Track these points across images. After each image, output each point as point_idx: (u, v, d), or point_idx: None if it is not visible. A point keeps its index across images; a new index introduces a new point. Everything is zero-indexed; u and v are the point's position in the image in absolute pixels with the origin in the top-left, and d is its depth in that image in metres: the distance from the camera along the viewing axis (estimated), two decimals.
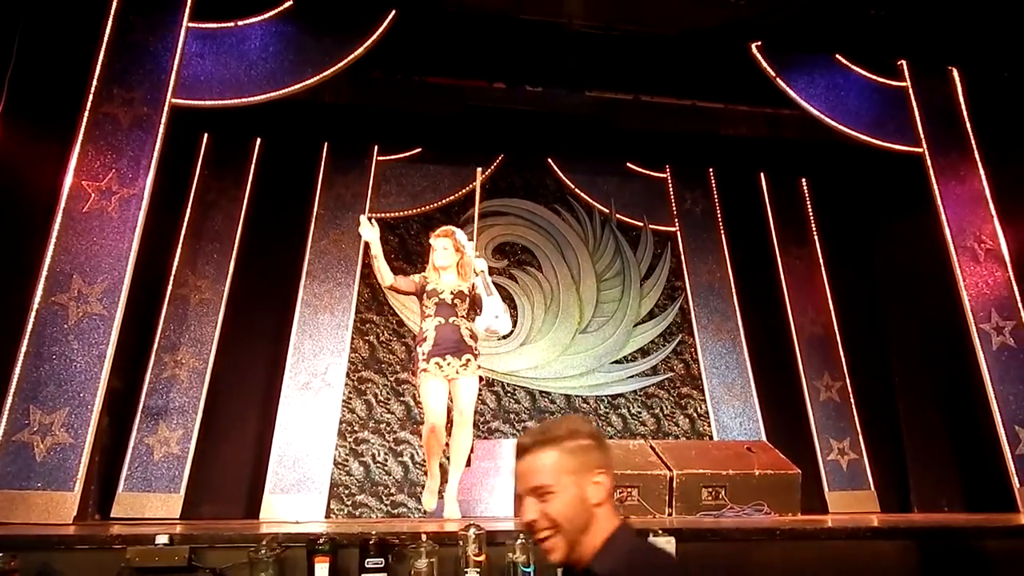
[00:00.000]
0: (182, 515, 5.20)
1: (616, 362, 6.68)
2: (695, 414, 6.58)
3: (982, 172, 5.69)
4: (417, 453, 5.84)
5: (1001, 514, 4.76)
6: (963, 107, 5.88)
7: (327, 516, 5.52)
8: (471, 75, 6.05)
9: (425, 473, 4.51)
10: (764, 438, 6.08)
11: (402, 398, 6.07)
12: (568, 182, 7.05)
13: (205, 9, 5.00)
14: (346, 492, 5.74)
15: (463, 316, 4.17)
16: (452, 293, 4.16)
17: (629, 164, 7.19)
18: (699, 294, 6.88)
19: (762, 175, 7.18)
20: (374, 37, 5.19)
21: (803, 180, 7.19)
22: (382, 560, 2.59)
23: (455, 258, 4.24)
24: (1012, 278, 5.45)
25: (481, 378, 4.29)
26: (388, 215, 6.51)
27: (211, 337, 5.69)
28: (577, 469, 1.49)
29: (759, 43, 5.63)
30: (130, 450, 5.28)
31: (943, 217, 5.58)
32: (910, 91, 5.87)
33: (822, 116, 5.70)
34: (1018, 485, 5.01)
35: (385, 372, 6.14)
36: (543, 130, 6.71)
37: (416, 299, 4.32)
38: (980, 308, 5.38)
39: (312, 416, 5.70)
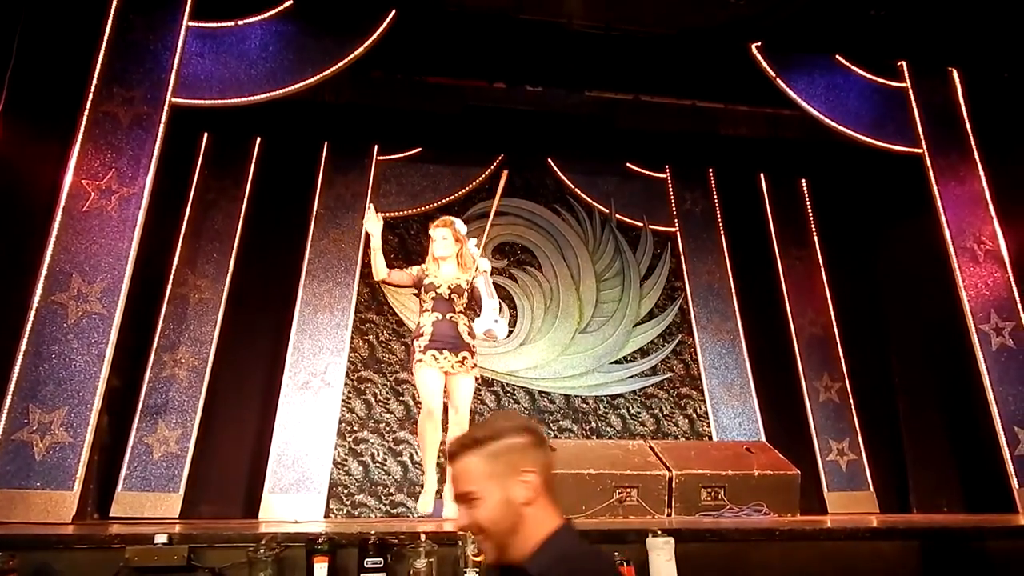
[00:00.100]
0: (181, 514, 5.20)
1: (616, 362, 6.68)
2: (694, 414, 6.58)
3: (982, 173, 5.70)
4: (416, 453, 5.84)
5: (1000, 515, 4.76)
6: (963, 108, 5.88)
7: (326, 516, 5.52)
8: (471, 75, 6.05)
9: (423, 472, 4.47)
10: (763, 439, 6.08)
11: (401, 398, 6.07)
12: (568, 182, 7.05)
13: (205, 8, 5.00)
14: (345, 492, 5.74)
15: (461, 312, 4.13)
16: (449, 287, 4.12)
17: (629, 164, 7.19)
18: (699, 294, 6.88)
19: (762, 175, 7.18)
20: (374, 37, 5.19)
21: (803, 181, 7.19)
22: (381, 560, 2.60)
23: (454, 248, 4.21)
24: (1012, 279, 5.44)
25: (478, 377, 4.27)
26: (388, 215, 6.49)
27: (210, 336, 5.69)
28: (500, 472, 1.48)
29: (759, 43, 5.63)
30: (129, 449, 5.28)
31: (943, 218, 5.58)
32: (910, 92, 5.87)
33: (822, 117, 5.70)
34: (1017, 486, 5.00)
35: (385, 372, 6.14)
36: (543, 130, 6.71)
37: (414, 293, 4.31)
38: (979, 309, 5.38)
39: (311, 416, 5.70)
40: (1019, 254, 5.52)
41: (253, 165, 6.24)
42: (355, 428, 5.94)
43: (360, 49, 5.18)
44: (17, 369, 4.11)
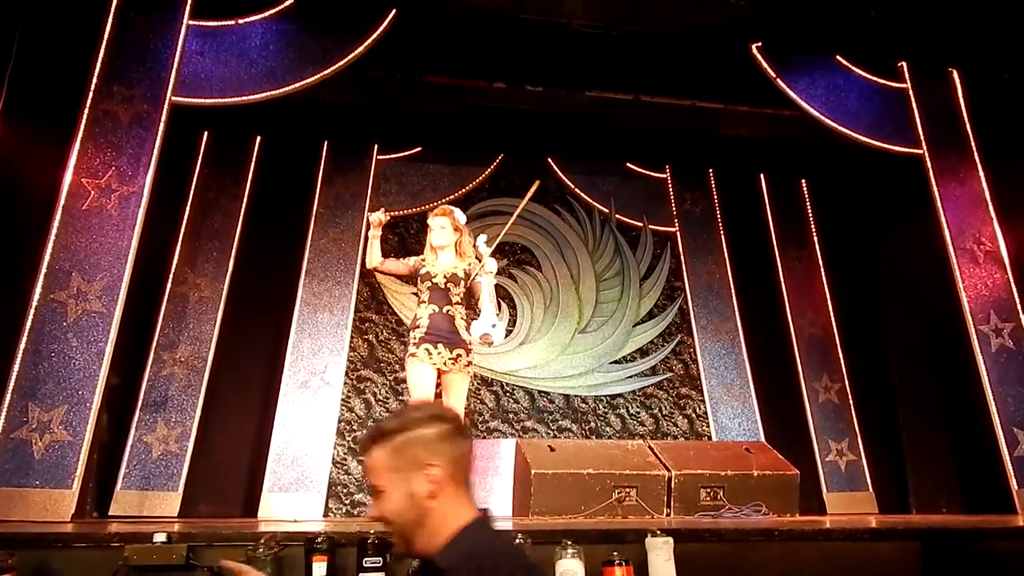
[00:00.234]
0: (180, 513, 5.20)
1: (615, 362, 6.68)
2: (694, 414, 6.58)
3: (982, 174, 5.69)
4: None
5: (999, 516, 4.76)
6: (963, 108, 5.88)
7: (325, 515, 5.52)
8: (471, 75, 6.05)
9: None
10: (763, 439, 6.08)
11: (401, 397, 6.07)
12: (568, 182, 7.05)
13: (205, 7, 5.00)
14: (344, 491, 5.74)
15: (458, 303, 4.04)
16: (445, 276, 4.02)
17: (629, 164, 7.19)
18: (698, 294, 6.88)
19: (762, 176, 7.18)
20: (374, 36, 5.19)
21: (803, 181, 7.19)
22: (380, 559, 2.60)
23: (453, 238, 4.12)
24: (1011, 280, 5.44)
25: (475, 375, 4.22)
26: (387, 213, 6.50)
27: (210, 335, 5.69)
28: (404, 466, 1.48)
29: (759, 43, 5.63)
30: (128, 448, 5.28)
31: (943, 218, 5.58)
32: (910, 92, 5.87)
33: (822, 117, 5.70)
34: (1016, 487, 5.00)
35: (384, 371, 6.14)
36: (543, 130, 6.71)
37: (413, 294, 4.25)
38: (979, 310, 5.38)
39: (311, 415, 5.69)
40: (1019, 255, 5.52)
41: (253, 164, 6.24)
42: (354, 427, 5.94)
43: (360, 48, 5.18)
44: (16, 367, 4.11)
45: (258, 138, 6.30)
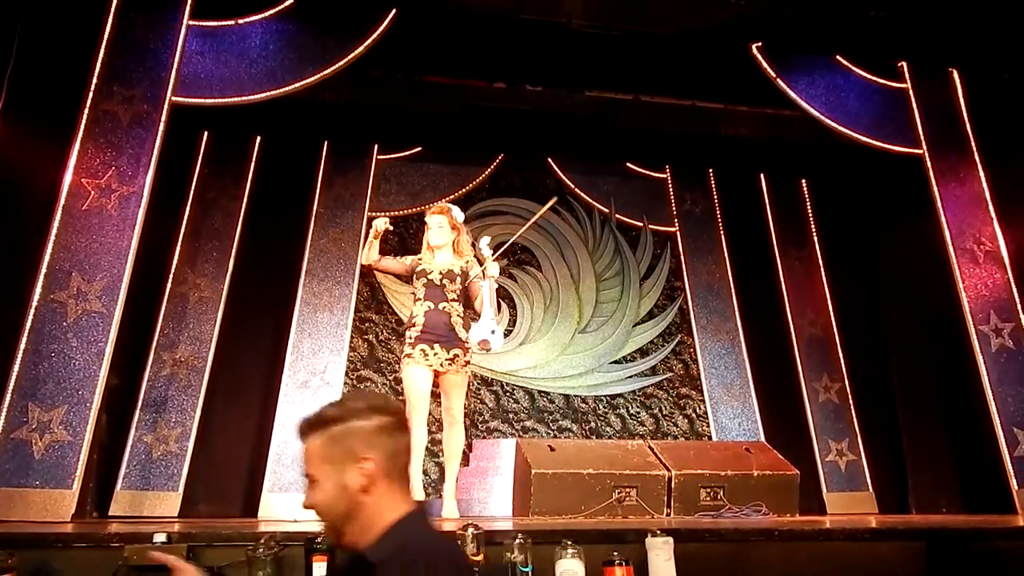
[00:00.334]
0: (180, 513, 5.20)
1: (615, 362, 6.68)
2: (694, 414, 6.58)
3: (982, 174, 5.69)
4: None
5: (1000, 516, 4.76)
6: (963, 109, 5.88)
7: None
8: (471, 75, 6.05)
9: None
10: (763, 439, 6.08)
11: (401, 397, 6.05)
12: (568, 182, 7.04)
13: (205, 7, 4.99)
14: None
15: (454, 300, 3.98)
16: (441, 273, 3.98)
17: (629, 164, 7.19)
18: (698, 294, 6.88)
19: (762, 176, 7.18)
20: (374, 36, 5.18)
21: (803, 181, 7.19)
22: None
23: (451, 236, 4.09)
24: (1011, 280, 5.44)
25: (475, 375, 4.19)
26: (388, 214, 6.47)
27: (210, 335, 5.69)
28: (338, 457, 1.45)
29: (759, 43, 5.63)
30: (128, 448, 5.28)
31: (943, 218, 5.58)
32: (910, 92, 5.87)
33: (822, 117, 5.70)
34: (1016, 487, 5.00)
35: (384, 371, 6.14)
36: (543, 130, 6.71)
37: (411, 292, 4.15)
38: (979, 310, 5.38)
39: None
40: (1019, 255, 5.52)
41: (253, 164, 6.24)
42: None
43: (360, 48, 5.18)
44: (16, 367, 4.10)
45: (258, 138, 6.30)
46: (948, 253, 5.51)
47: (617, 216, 7.08)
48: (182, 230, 5.89)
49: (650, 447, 4.73)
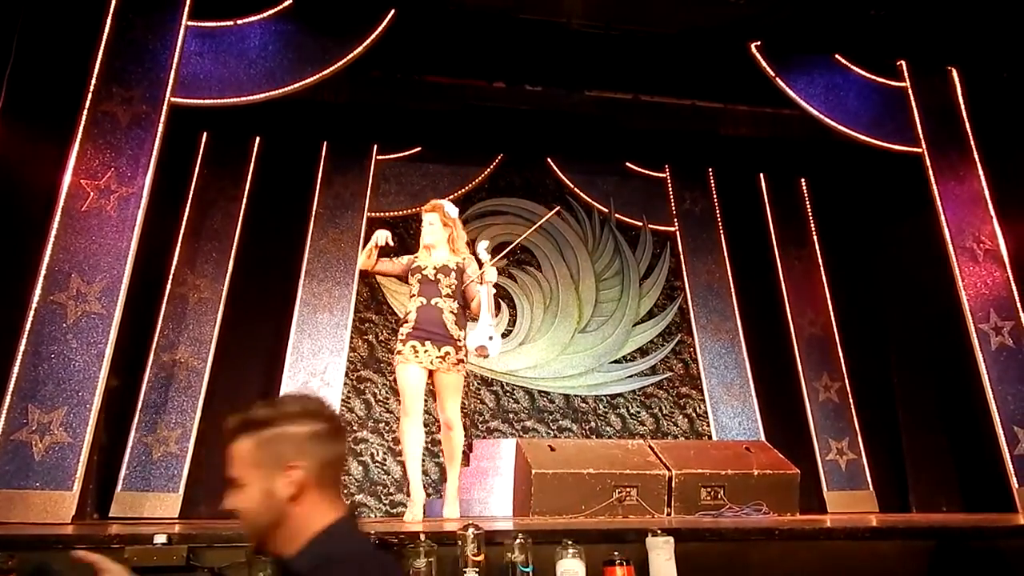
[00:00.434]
0: (180, 514, 5.20)
1: (615, 362, 6.68)
2: (694, 414, 6.58)
3: (981, 172, 5.69)
4: None
5: (1000, 514, 4.76)
6: (963, 107, 5.87)
7: None
8: (471, 74, 6.04)
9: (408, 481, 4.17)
10: (763, 438, 6.08)
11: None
12: (568, 182, 7.05)
13: (204, 7, 4.99)
14: (345, 492, 5.74)
15: (448, 296, 3.90)
16: (435, 268, 3.93)
17: (628, 164, 7.20)
18: (698, 294, 6.88)
19: (762, 175, 7.18)
20: (374, 36, 5.18)
21: (803, 180, 7.19)
22: None
23: (444, 233, 4.03)
24: (1011, 278, 5.44)
25: (474, 374, 4.15)
26: (387, 214, 6.51)
27: (210, 336, 5.69)
28: (267, 462, 1.38)
29: (758, 43, 5.63)
30: (128, 449, 5.27)
31: (942, 217, 5.57)
32: (909, 91, 5.86)
33: (821, 116, 5.69)
34: (1016, 485, 5.00)
35: (384, 371, 6.14)
36: (543, 130, 6.71)
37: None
38: (979, 308, 5.38)
39: None
40: (1018, 254, 5.51)
41: (252, 164, 6.24)
42: (355, 428, 5.94)
43: (360, 48, 5.17)
44: (16, 369, 4.09)
45: (257, 138, 6.30)
46: (948, 252, 5.51)
47: (617, 216, 7.09)
48: (181, 231, 5.88)
49: (650, 447, 4.73)
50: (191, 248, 5.89)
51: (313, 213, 6.26)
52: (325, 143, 6.47)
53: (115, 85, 4.67)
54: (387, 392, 6.08)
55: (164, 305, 5.67)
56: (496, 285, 4.18)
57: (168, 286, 5.72)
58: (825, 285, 6.85)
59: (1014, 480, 5.01)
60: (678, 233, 7.07)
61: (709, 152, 7.05)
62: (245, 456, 1.41)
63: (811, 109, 5.68)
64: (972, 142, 5.76)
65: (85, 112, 4.57)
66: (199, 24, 4.99)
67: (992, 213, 5.59)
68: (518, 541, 2.62)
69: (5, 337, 4.17)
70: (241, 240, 6.01)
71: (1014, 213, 5.59)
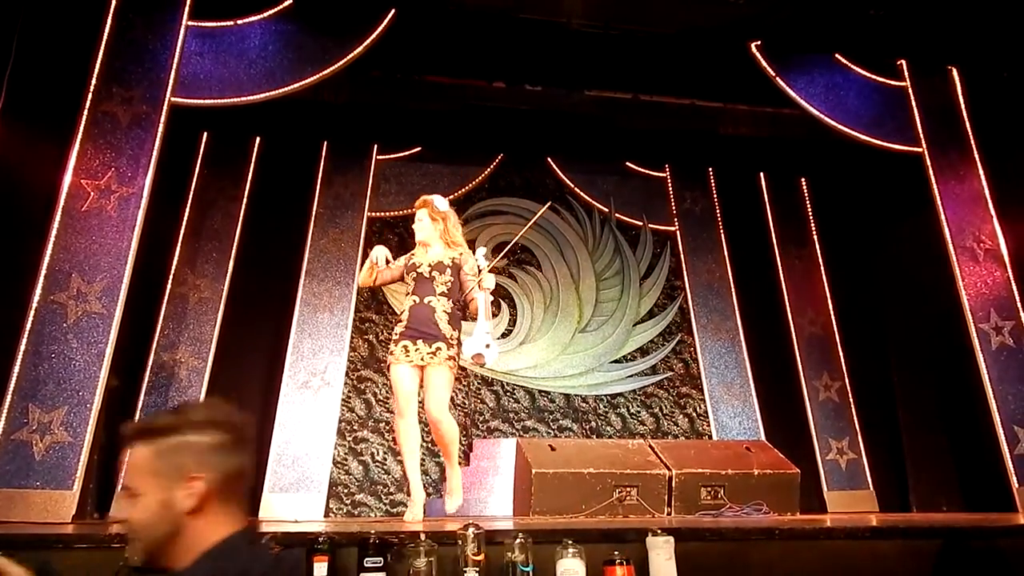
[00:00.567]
0: None
1: (615, 361, 6.68)
2: (694, 413, 6.58)
3: (981, 172, 5.69)
4: None
5: (1000, 513, 4.76)
6: (963, 107, 5.87)
7: (326, 515, 5.52)
8: (471, 74, 6.05)
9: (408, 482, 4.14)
10: (763, 438, 6.08)
11: None
12: (568, 181, 7.05)
13: (204, 7, 4.99)
14: (345, 491, 5.74)
15: (442, 294, 3.85)
16: (430, 265, 3.88)
17: (628, 163, 7.20)
18: (698, 294, 6.88)
19: (762, 175, 7.18)
20: (374, 36, 5.18)
21: (803, 180, 7.19)
22: (381, 559, 2.59)
23: (435, 228, 3.97)
24: (1011, 278, 5.44)
25: (474, 373, 4.14)
26: (387, 214, 6.52)
27: (210, 336, 5.69)
28: (166, 473, 1.33)
29: (759, 42, 5.63)
30: None
31: (942, 217, 5.58)
32: (910, 91, 5.86)
33: (821, 116, 5.70)
34: (1017, 485, 5.00)
35: (384, 371, 6.13)
36: (543, 129, 6.71)
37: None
38: (979, 308, 5.38)
39: (311, 415, 5.70)
40: (1019, 253, 5.51)
41: (252, 164, 6.25)
42: (355, 427, 5.94)
43: (360, 48, 5.18)
44: (17, 369, 4.10)
45: (257, 139, 6.30)
46: (948, 251, 5.51)
47: (617, 215, 7.09)
48: (182, 231, 5.89)
49: (651, 446, 4.73)
50: (191, 248, 5.89)
51: (313, 213, 6.26)
52: (325, 143, 6.47)
53: (115, 85, 4.67)
54: (387, 392, 6.08)
55: (164, 305, 5.67)
56: (497, 285, 4.16)
57: (168, 286, 5.73)
58: (825, 284, 6.85)
59: (1014, 480, 5.01)
60: (678, 233, 7.07)
61: (709, 152, 7.05)
62: (142, 465, 1.35)
63: (811, 109, 5.69)
64: (972, 142, 5.76)
65: (85, 112, 4.58)
66: (199, 24, 5.00)
67: (992, 213, 5.60)
68: (518, 541, 2.62)
69: (5, 337, 4.17)
70: (241, 240, 6.01)
71: (1014, 213, 5.59)
